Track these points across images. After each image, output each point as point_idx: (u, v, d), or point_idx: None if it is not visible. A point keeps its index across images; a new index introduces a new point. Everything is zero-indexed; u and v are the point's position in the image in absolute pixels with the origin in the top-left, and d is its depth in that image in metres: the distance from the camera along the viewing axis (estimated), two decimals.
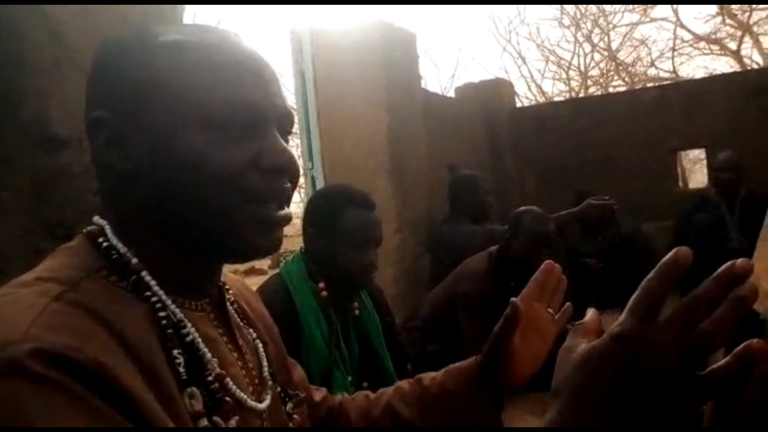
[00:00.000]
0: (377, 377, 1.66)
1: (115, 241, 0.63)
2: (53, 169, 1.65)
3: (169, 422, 0.54)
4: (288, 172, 0.66)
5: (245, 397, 0.66)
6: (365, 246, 1.57)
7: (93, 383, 0.48)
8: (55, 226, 1.62)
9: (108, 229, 0.64)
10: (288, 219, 0.68)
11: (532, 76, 14.60)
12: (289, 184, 0.67)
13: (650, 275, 0.45)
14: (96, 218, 0.66)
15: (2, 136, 1.59)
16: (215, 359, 0.64)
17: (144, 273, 0.62)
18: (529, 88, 14.45)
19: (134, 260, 0.62)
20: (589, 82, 14.11)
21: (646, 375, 0.43)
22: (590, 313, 0.55)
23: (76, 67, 1.72)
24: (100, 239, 0.63)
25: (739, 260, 0.43)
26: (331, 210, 1.59)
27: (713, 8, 11.54)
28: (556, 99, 12.69)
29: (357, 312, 1.67)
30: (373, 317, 1.72)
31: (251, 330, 0.77)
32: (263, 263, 8.49)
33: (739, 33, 11.82)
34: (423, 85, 4.20)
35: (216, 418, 0.60)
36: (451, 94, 5.36)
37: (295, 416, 0.76)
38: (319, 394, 0.96)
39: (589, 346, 0.47)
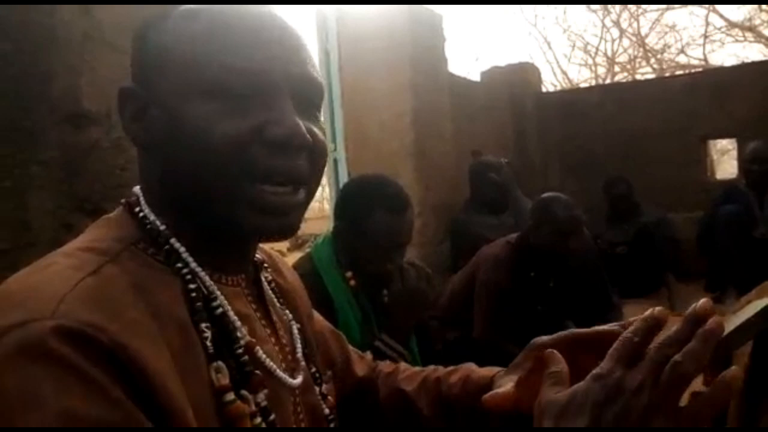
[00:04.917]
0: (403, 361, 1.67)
1: (147, 210, 0.63)
2: (82, 144, 1.66)
3: (190, 412, 0.52)
4: (300, 147, 0.60)
5: (275, 367, 0.64)
6: (391, 250, 1.55)
7: (112, 366, 0.48)
8: (84, 200, 1.64)
9: (141, 199, 0.64)
10: (300, 204, 0.63)
11: (557, 62, 14.40)
12: (304, 163, 0.62)
13: (631, 329, 0.51)
14: (135, 188, 0.66)
15: (32, 111, 1.60)
16: (245, 327, 0.62)
17: (173, 240, 0.61)
18: (555, 74, 14.25)
19: (162, 227, 0.62)
20: (617, 69, 13.85)
21: (624, 408, 0.47)
22: (559, 364, 0.58)
23: (107, 43, 1.72)
24: (137, 209, 0.63)
25: (700, 303, 0.49)
26: (361, 207, 1.55)
27: None
28: (582, 85, 12.49)
29: (386, 299, 1.66)
30: None
31: (287, 311, 0.76)
32: (281, 245, 8.46)
33: None
34: (448, 68, 4.14)
35: (243, 392, 0.59)
36: (475, 78, 5.28)
37: (329, 397, 0.75)
38: (361, 365, 0.92)
39: (573, 387, 0.52)
